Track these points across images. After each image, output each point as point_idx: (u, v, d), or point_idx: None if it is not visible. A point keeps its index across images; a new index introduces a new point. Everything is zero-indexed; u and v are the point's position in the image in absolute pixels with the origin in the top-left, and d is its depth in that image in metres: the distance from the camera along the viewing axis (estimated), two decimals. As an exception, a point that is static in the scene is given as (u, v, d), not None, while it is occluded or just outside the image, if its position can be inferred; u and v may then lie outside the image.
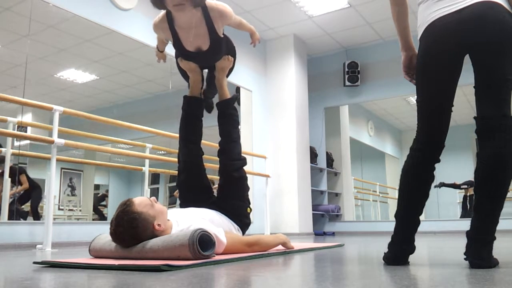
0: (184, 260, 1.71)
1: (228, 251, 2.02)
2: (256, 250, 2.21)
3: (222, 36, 2.29)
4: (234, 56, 2.58)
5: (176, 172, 2.65)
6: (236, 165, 2.53)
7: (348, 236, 6.10)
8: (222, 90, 2.59)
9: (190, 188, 2.56)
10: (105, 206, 7.45)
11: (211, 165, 3.62)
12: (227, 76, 2.68)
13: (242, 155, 2.61)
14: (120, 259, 1.86)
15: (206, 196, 2.52)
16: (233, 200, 2.47)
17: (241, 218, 2.47)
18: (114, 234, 1.90)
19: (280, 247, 2.44)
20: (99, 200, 7.55)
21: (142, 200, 1.94)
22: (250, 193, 2.64)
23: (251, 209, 2.55)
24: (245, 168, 2.62)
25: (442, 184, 7.49)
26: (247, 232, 2.58)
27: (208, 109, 2.82)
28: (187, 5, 2.09)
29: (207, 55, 2.36)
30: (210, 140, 3.20)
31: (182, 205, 2.55)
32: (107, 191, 7.53)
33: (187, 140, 2.58)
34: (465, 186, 7.43)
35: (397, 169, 8.29)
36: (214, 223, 2.19)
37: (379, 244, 3.32)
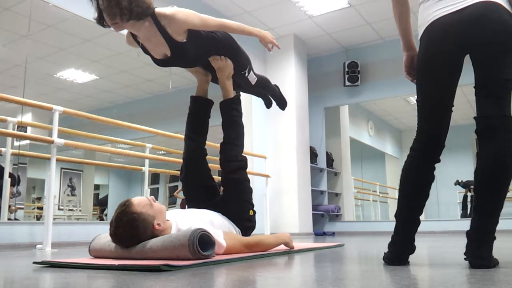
0: (184, 260, 1.71)
1: (228, 252, 2.02)
2: (256, 251, 2.21)
3: (184, 40, 2.23)
4: (229, 55, 2.53)
5: (176, 172, 2.65)
6: (231, 166, 2.50)
7: (348, 236, 6.10)
8: (224, 90, 2.59)
9: (191, 187, 2.56)
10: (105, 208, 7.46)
11: (211, 165, 3.61)
12: (241, 75, 2.62)
13: (243, 156, 2.58)
14: (120, 259, 1.86)
15: (209, 196, 2.50)
16: (233, 202, 2.44)
17: (242, 221, 2.43)
18: (114, 235, 1.90)
19: (281, 247, 2.43)
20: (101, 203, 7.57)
21: (141, 200, 1.94)
22: (250, 193, 2.60)
23: (254, 212, 2.49)
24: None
25: (463, 184, 7.51)
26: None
27: (267, 105, 3.06)
28: (121, 23, 2.11)
29: (174, 61, 2.36)
30: (209, 140, 3.20)
31: (186, 203, 2.56)
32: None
33: (187, 138, 2.59)
34: (473, 186, 7.44)
35: (397, 169, 8.29)
36: (214, 224, 2.18)
37: (379, 244, 3.32)
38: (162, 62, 2.37)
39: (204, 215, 2.25)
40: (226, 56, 2.49)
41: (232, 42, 2.52)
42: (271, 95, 2.97)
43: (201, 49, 2.38)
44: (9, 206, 4.05)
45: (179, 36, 2.22)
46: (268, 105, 3.04)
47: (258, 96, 3.03)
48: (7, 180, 3.67)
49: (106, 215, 7.32)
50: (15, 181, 4.54)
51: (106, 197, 7.53)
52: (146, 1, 2.11)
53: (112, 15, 2.07)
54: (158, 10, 2.17)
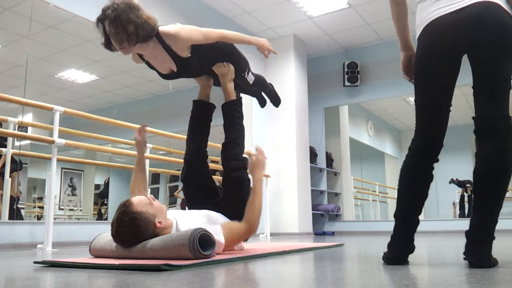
0: (184, 260, 1.71)
1: (229, 244, 2.08)
2: (252, 218, 2.23)
3: (189, 55, 2.33)
4: (230, 60, 2.57)
5: (176, 172, 2.67)
6: (232, 165, 2.52)
7: (347, 236, 6.11)
8: (226, 93, 2.64)
9: (191, 187, 2.58)
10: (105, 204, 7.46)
11: (211, 165, 3.62)
12: (241, 77, 2.68)
13: (244, 156, 2.60)
14: (121, 258, 1.86)
15: (209, 197, 2.52)
16: (233, 201, 2.45)
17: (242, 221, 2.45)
18: (116, 235, 1.90)
19: (282, 246, 2.44)
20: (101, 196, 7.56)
21: (140, 199, 1.94)
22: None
23: None
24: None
25: (457, 182, 7.53)
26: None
27: (261, 104, 3.07)
28: (128, 48, 2.18)
29: (181, 74, 2.45)
30: (210, 140, 3.22)
31: (187, 204, 2.59)
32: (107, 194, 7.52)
33: (189, 140, 2.63)
34: (469, 185, 7.47)
35: (397, 169, 8.27)
36: (212, 219, 2.20)
37: (378, 244, 3.33)
38: (168, 76, 2.45)
39: (204, 214, 2.26)
40: (227, 62, 2.55)
41: (232, 48, 2.60)
42: (266, 93, 3.01)
43: (205, 60, 2.47)
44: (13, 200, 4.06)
45: (184, 52, 2.31)
46: (262, 104, 3.08)
47: (253, 96, 3.08)
48: (7, 180, 3.67)
49: (107, 209, 7.31)
50: (17, 167, 4.52)
51: (106, 189, 7.53)
52: (150, 24, 2.17)
53: (119, 40, 2.14)
54: (161, 29, 2.24)
